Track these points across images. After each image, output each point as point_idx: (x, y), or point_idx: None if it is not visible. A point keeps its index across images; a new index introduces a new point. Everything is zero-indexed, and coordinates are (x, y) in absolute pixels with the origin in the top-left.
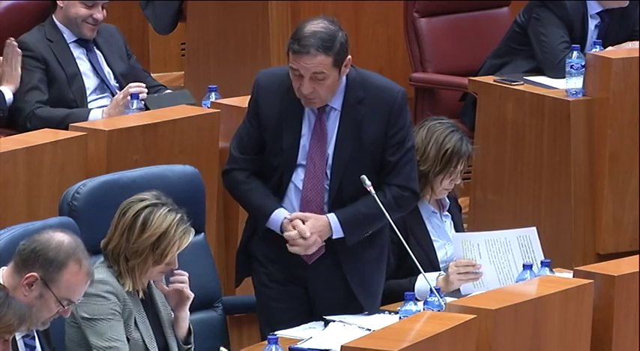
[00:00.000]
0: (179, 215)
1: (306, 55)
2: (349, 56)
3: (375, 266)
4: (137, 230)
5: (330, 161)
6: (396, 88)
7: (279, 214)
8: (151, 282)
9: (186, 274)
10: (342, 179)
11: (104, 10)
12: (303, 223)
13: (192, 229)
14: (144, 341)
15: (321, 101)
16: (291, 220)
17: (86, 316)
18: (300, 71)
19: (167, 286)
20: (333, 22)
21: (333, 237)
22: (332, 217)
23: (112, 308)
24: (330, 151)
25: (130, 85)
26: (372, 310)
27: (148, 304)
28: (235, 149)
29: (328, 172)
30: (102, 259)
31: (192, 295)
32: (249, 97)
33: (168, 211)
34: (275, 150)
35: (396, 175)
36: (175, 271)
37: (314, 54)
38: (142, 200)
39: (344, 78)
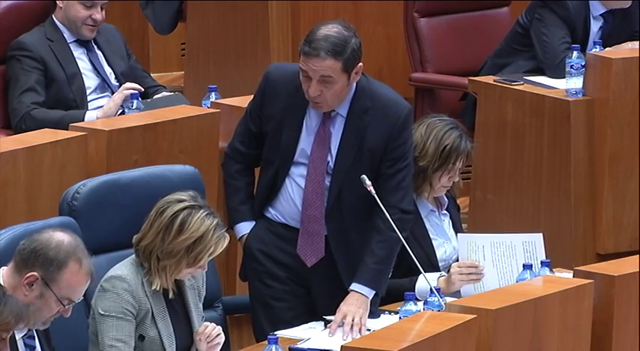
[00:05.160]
0: (216, 220)
1: (315, 57)
2: (360, 64)
3: None
4: (174, 231)
5: (331, 167)
6: (402, 104)
7: (240, 229)
8: (185, 281)
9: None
10: (341, 186)
11: (103, 11)
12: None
13: (227, 236)
14: (161, 339)
15: (327, 106)
16: None
17: (100, 311)
18: (308, 73)
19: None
20: (348, 28)
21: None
22: (359, 288)
23: (124, 307)
24: (332, 157)
25: (125, 85)
26: (375, 312)
27: (178, 302)
28: (237, 138)
29: (328, 178)
30: (133, 255)
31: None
32: (257, 87)
33: (206, 214)
34: (274, 145)
35: (393, 196)
36: (206, 332)
37: (323, 57)
38: (180, 201)
39: (353, 85)
